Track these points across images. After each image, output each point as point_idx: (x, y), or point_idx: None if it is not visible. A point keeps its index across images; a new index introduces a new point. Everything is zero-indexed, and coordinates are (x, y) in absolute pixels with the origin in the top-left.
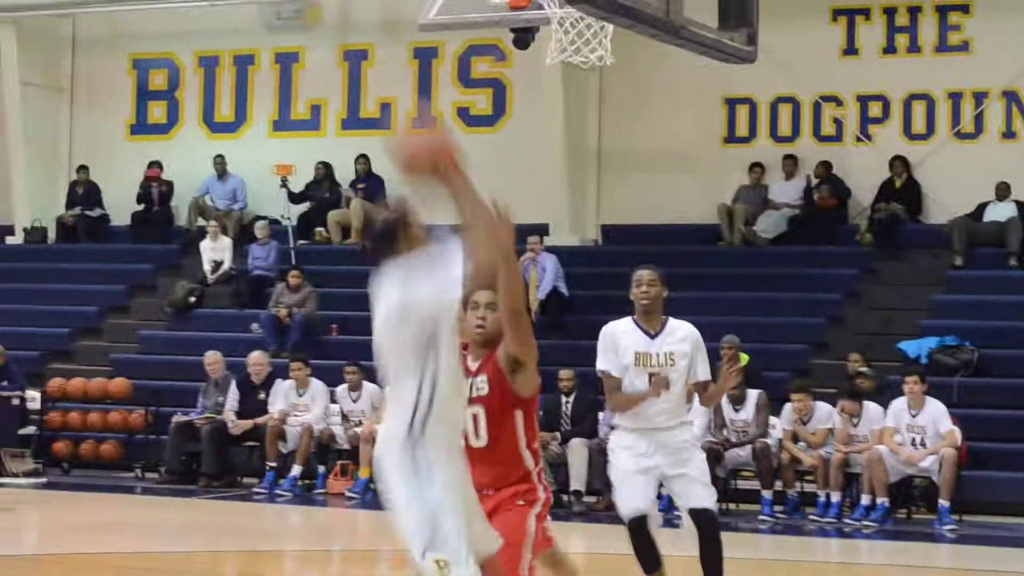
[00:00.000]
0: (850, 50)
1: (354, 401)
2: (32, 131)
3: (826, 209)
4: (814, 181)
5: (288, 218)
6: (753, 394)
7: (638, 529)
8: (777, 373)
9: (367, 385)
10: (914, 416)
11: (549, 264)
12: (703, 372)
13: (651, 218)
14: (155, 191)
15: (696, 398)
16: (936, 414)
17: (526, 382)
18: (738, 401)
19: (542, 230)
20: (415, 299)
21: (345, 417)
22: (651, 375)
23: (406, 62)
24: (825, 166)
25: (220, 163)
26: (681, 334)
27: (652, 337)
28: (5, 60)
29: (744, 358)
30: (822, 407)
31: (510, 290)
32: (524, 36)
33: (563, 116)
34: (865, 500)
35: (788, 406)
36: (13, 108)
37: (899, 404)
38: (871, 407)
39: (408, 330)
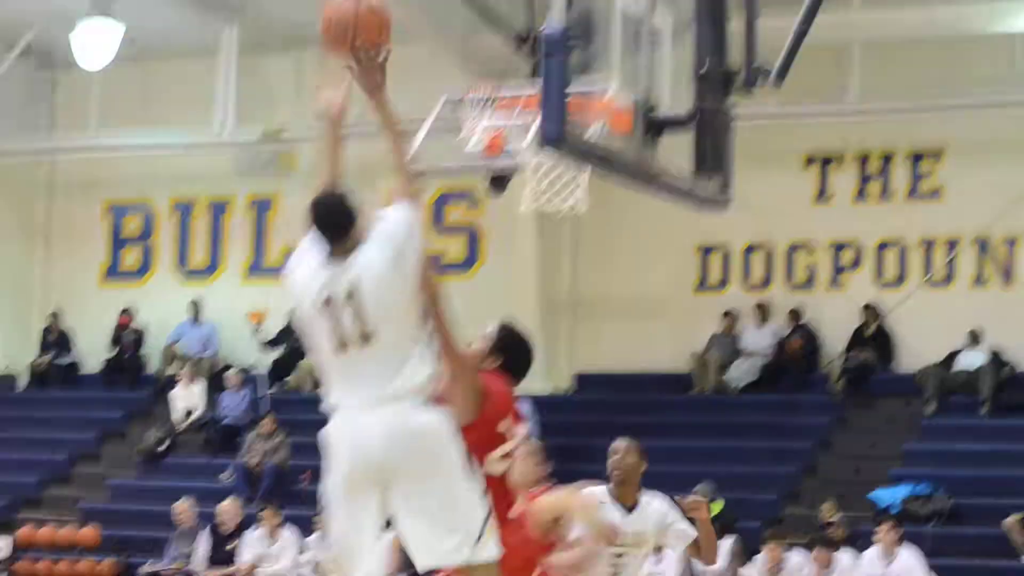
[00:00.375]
0: (822, 197)
1: (326, 550)
2: (5, 276)
3: (795, 357)
4: (785, 331)
5: (261, 365)
6: (726, 542)
7: None
8: (749, 522)
9: None
10: (887, 566)
11: (524, 410)
12: (687, 530)
13: (624, 365)
14: (127, 338)
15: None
16: (909, 565)
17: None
18: None
19: None
20: (391, 244)
21: (316, 567)
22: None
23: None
24: (794, 315)
25: (195, 308)
26: (650, 512)
27: (628, 511)
28: None
29: (717, 506)
30: (794, 557)
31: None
32: (498, 183)
33: (536, 263)
34: None
35: (760, 556)
36: None
37: (871, 554)
38: (843, 557)
39: (404, 279)
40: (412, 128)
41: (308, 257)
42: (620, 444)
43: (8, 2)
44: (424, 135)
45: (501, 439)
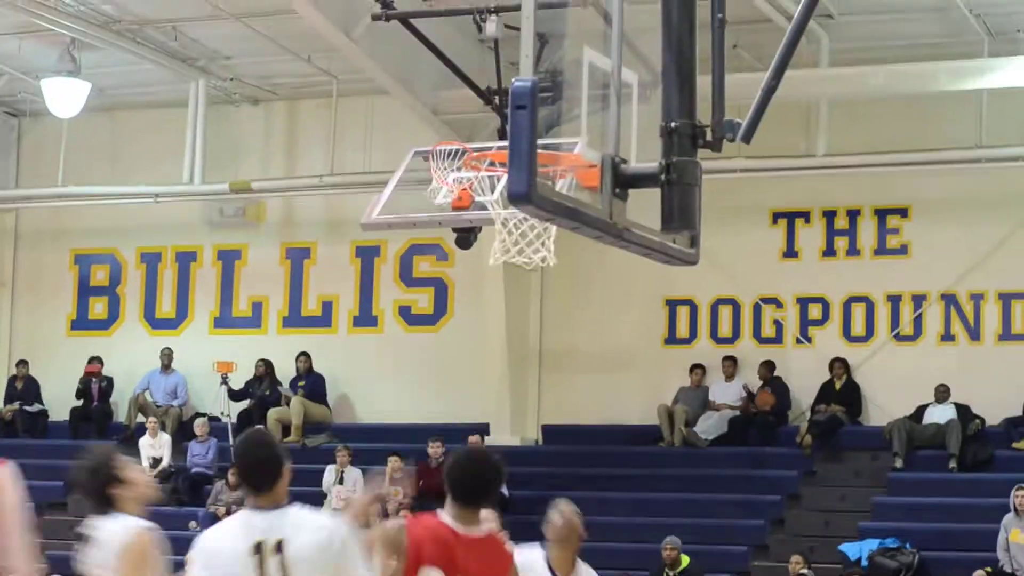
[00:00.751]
0: (790, 253)
1: None
2: None
3: (766, 410)
4: (755, 385)
5: (228, 415)
6: None
7: None
8: None
9: None
10: None
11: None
12: None
13: (591, 418)
14: (95, 387)
15: None
16: None
17: None
18: None
19: (483, 429)
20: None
21: None
22: None
23: (348, 260)
24: (768, 367)
25: (167, 356)
26: None
27: None
28: None
29: (685, 559)
30: None
31: None
32: (466, 236)
33: (504, 316)
34: None
35: None
36: None
37: None
38: None
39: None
40: (382, 180)
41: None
42: (566, 506)
43: None
44: (393, 187)
45: None
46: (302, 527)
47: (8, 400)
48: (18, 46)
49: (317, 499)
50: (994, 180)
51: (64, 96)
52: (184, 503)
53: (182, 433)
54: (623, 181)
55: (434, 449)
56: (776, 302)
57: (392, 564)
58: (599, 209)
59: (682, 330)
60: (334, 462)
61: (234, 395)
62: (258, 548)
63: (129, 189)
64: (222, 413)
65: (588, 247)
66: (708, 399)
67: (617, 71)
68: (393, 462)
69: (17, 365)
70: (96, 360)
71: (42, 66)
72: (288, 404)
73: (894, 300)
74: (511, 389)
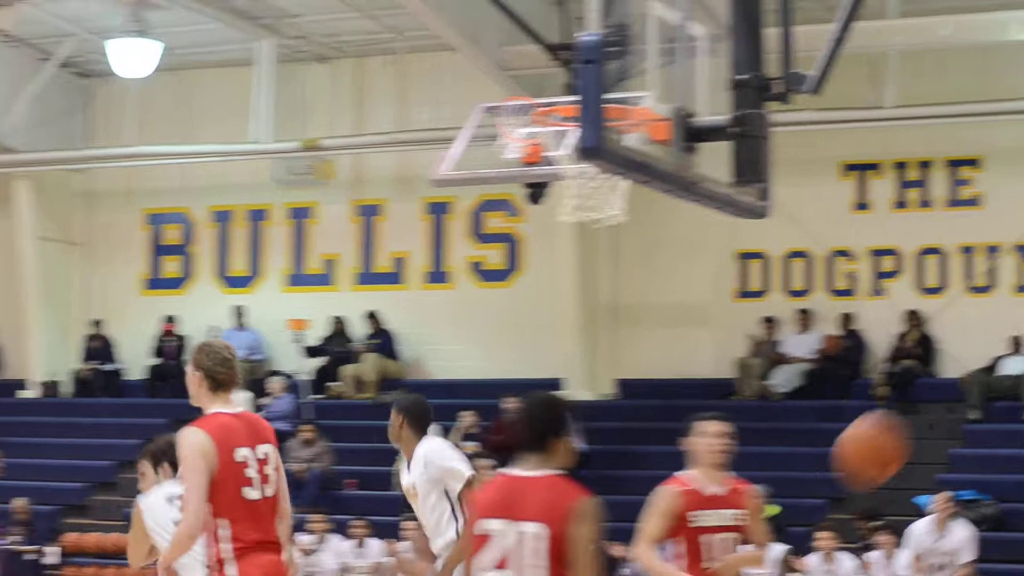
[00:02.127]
0: (862, 205)
1: (358, 557)
2: (47, 285)
3: (836, 356)
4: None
5: (303, 373)
6: (779, 550)
7: None
8: (796, 528)
9: (372, 541)
10: (939, 540)
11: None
12: (455, 470)
13: (665, 372)
14: (169, 345)
15: None
16: (962, 538)
17: None
18: None
19: (556, 385)
20: None
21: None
22: None
23: (419, 217)
24: (845, 319)
25: (238, 314)
26: (418, 459)
27: (408, 468)
28: (22, 214)
29: (773, 510)
30: (846, 559)
31: None
32: (537, 191)
33: (576, 271)
34: None
35: (813, 557)
36: (29, 262)
37: (922, 526)
38: (901, 554)
39: None
40: (451, 136)
41: None
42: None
43: (47, 13)
44: (462, 144)
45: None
46: None
47: (85, 359)
48: (87, 7)
49: (392, 454)
50: None
51: (132, 56)
52: None
53: (255, 390)
54: (692, 134)
55: (509, 405)
56: (849, 255)
57: None
58: (669, 163)
59: (754, 283)
60: None
61: (309, 352)
62: None
63: (199, 148)
64: (297, 370)
65: (659, 201)
66: (782, 351)
67: (685, 24)
68: (466, 417)
69: (93, 325)
70: (170, 319)
71: (111, 26)
72: (362, 361)
73: (967, 251)
74: (584, 344)
